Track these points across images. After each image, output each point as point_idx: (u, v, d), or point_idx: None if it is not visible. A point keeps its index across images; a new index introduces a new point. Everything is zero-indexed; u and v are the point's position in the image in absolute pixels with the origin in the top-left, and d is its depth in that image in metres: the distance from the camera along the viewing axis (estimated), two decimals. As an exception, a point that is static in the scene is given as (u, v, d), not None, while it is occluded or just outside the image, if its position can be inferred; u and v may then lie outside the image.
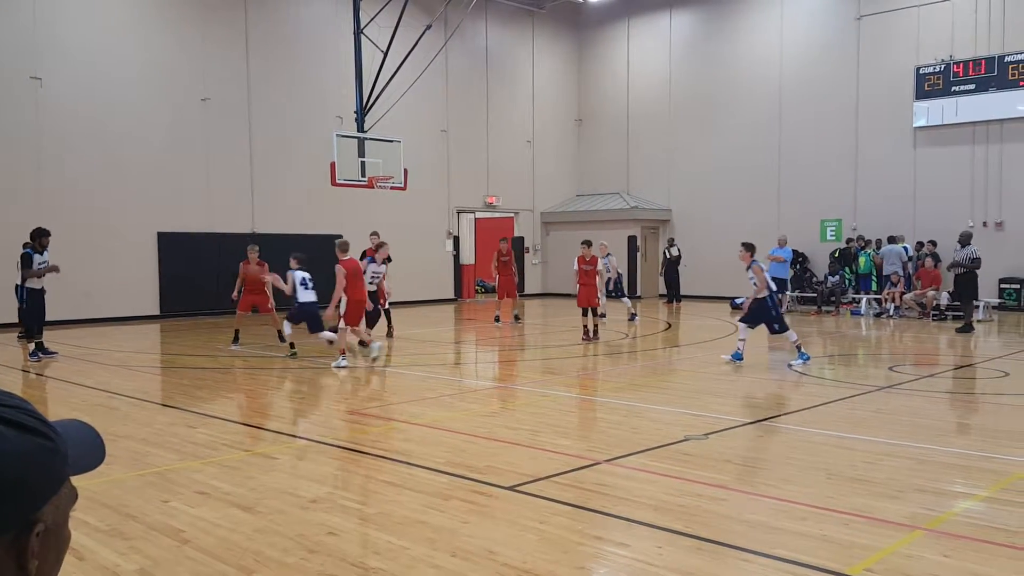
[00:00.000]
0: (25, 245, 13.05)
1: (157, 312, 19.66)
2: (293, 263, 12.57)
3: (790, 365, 11.56)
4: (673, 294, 24.83)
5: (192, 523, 5.05)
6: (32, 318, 13.08)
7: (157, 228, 20.09)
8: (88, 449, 1.04)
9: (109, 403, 9.46)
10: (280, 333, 13.59)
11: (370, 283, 13.67)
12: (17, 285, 13.20)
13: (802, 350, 11.81)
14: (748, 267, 11.92)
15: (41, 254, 13.00)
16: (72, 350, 14.29)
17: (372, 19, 19.35)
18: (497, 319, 18.68)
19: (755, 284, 11.86)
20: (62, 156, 18.68)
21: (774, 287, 12.18)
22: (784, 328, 12.01)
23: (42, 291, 13.15)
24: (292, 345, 12.97)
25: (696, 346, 14.90)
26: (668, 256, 24.98)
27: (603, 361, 13.17)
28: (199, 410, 8.95)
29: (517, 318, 18.94)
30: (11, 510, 0.89)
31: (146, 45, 20.03)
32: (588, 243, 15.69)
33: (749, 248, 12.29)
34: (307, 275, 12.51)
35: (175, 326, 18.63)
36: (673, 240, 25.51)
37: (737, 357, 11.73)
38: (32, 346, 13.07)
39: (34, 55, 18.29)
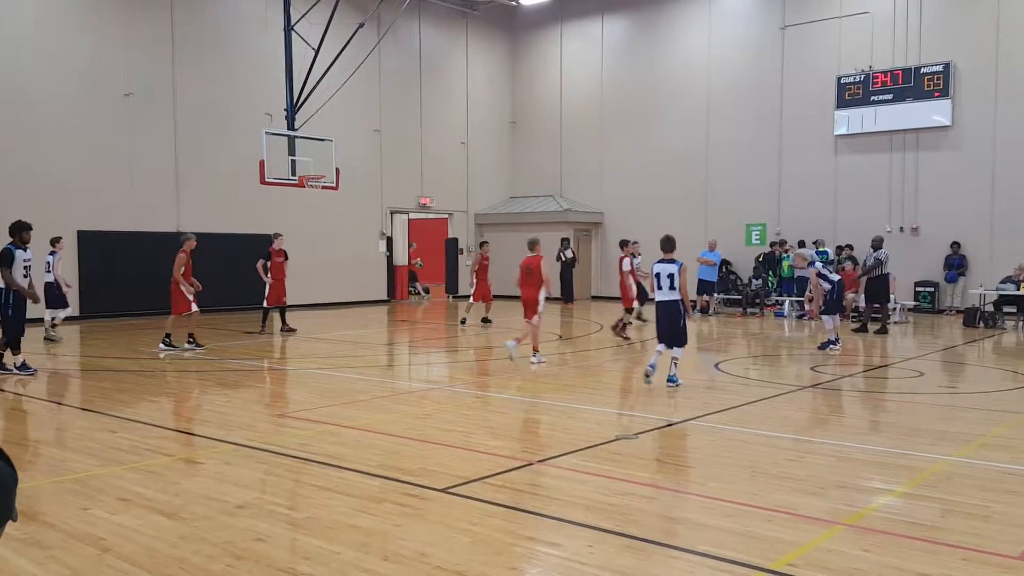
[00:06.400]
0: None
1: (77, 313, 18.97)
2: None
3: None
4: (567, 295, 25.13)
5: (113, 531, 4.90)
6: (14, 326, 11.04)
7: (77, 226, 19.41)
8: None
9: (23, 406, 9.11)
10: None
11: None
12: None
13: None
14: None
15: (24, 250, 11.00)
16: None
17: (303, 16, 19.05)
18: (463, 321, 19.14)
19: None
20: (-25, 150, 17.91)
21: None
22: None
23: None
24: None
25: (620, 348, 15.09)
26: (563, 259, 25.22)
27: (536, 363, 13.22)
28: (120, 414, 8.68)
29: (485, 320, 19.12)
30: None
31: (65, 37, 19.34)
32: (534, 244, 12.98)
33: None
34: None
35: (96, 327, 18.04)
36: (568, 242, 25.77)
37: None
38: (20, 359, 11.17)
39: (-55, 44, 17.50)
